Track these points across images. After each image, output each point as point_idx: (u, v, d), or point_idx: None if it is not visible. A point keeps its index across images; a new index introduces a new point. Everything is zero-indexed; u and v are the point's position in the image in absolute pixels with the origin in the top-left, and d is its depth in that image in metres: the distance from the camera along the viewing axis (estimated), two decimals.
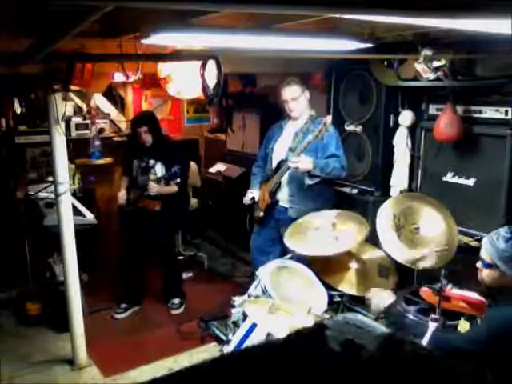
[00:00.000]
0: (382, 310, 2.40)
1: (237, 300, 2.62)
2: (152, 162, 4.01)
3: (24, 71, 3.06)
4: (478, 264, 2.07)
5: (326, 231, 2.95)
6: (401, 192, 3.73)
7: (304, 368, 0.52)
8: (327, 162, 3.41)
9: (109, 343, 3.66)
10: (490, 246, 2.01)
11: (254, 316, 2.35)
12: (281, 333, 2.07)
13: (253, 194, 3.72)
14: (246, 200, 3.72)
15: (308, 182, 3.43)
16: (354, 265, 2.94)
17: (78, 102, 4.90)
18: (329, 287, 2.85)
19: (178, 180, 3.79)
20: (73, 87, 3.26)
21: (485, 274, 2.04)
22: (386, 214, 2.92)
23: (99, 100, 5.09)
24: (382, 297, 2.45)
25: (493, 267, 1.99)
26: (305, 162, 3.30)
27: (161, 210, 3.98)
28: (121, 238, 4.39)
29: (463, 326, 2.19)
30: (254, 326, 2.31)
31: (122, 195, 4.06)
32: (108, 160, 4.89)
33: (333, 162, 3.42)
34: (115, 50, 2.91)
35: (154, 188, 3.88)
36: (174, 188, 3.93)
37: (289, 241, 2.98)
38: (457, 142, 3.31)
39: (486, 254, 2.03)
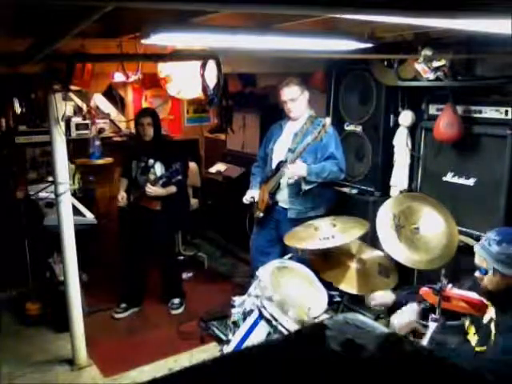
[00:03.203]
0: (383, 310, 2.41)
1: (237, 300, 2.62)
2: (151, 161, 4.01)
3: (24, 71, 3.06)
4: (477, 273, 2.04)
5: (325, 230, 2.95)
6: (401, 192, 3.73)
7: (304, 368, 0.52)
8: (324, 166, 3.40)
9: (109, 343, 3.66)
10: (483, 252, 2.00)
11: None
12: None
13: (252, 194, 3.72)
14: (246, 199, 3.72)
15: (304, 187, 3.43)
16: (354, 264, 2.93)
17: (78, 102, 4.90)
18: (329, 287, 2.85)
19: (180, 177, 3.78)
20: (73, 87, 3.26)
21: (487, 281, 2.01)
22: (385, 214, 2.91)
23: (99, 100, 5.09)
24: (383, 297, 2.47)
25: (492, 272, 1.97)
26: (299, 169, 3.31)
27: (161, 210, 3.98)
28: (121, 237, 4.38)
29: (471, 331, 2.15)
30: (254, 325, 2.31)
31: (121, 198, 4.05)
32: (108, 160, 4.89)
33: (330, 165, 3.41)
34: (115, 50, 2.91)
35: (151, 190, 3.85)
36: (172, 189, 3.93)
37: (289, 241, 2.98)
38: (457, 142, 3.31)
39: (481, 260, 2.02)
